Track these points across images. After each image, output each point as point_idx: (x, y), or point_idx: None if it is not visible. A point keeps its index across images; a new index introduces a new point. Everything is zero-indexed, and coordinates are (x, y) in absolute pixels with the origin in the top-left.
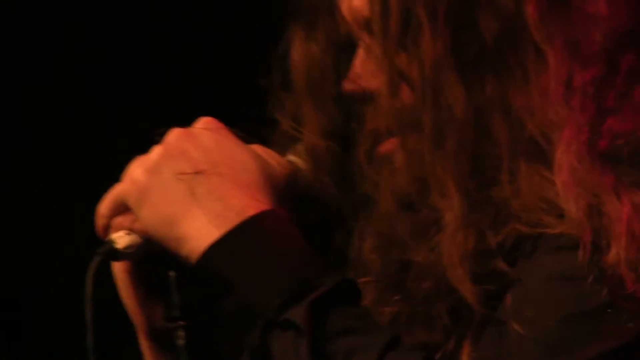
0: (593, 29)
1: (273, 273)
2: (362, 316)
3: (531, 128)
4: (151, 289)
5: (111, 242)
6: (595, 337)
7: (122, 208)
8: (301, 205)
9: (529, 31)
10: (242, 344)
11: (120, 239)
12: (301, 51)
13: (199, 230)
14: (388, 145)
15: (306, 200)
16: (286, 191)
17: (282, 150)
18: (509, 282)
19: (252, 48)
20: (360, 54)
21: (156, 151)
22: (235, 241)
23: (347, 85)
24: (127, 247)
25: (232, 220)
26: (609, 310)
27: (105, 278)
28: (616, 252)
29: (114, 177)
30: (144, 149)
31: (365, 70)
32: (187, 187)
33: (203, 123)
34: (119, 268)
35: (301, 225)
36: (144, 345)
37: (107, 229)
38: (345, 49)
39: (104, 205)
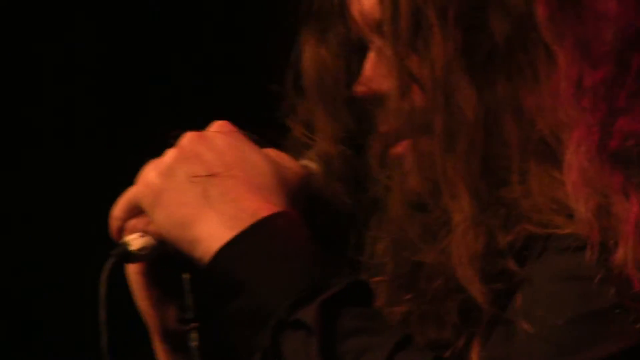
0: (603, 29)
1: (284, 274)
2: (373, 317)
3: (541, 128)
4: (165, 290)
5: (125, 244)
6: (603, 337)
7: (136, 211)
8: (314, 208)
9: (540, 31)
10: (254, 344)
11: (134, 241)
12: (312, 56)
13: (211, 232)
14: (399, 148)
15: (319, 203)
16: (299, 194)
17: (295, 155)
18: (518, 281)
19: (266, 52)
20: (371, 57)
21: (170, 154)
22: (247, 242)
23: (359, 88)
24: (140, 249)
25: (244, 222)
26: (617, 311)
27: (119, 280)
28: (624, 252)
29: (128, 179)
30: (158, 152)
31: (376, 73)
32: (201, 190)
33: (217, 126)
34: (132, 270)
35: (314, 227)
36: (158, 347)
37: (121, 231)
38: (356, 52)
39: (118, 208)
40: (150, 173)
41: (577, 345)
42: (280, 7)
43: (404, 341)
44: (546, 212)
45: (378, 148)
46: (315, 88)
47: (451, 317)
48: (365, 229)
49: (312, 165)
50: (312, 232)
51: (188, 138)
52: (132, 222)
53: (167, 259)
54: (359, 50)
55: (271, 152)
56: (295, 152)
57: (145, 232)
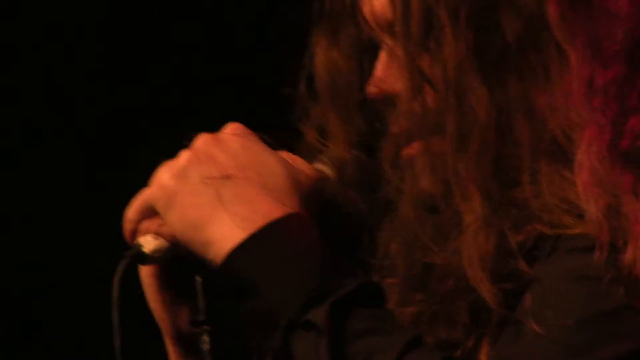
0: (614, 28)
1: (296, 275)
2: (383, 317)
3: (553, 128)
4: (177, 293)
5: (138, 245)
6: (612, 337)
7: (149, 212)
8: (327, 210)
9: (551, 31)
10: (265, 345)
11: (148, 242)
12: (324, 59)
13: (224, 234)
14: (411, 150)
15: (332, 206)
16: (312, 197)
17: (308, 159)
18: (527, 281)
19: (280, 55)
20: (383, 58)
21: (184, 156)
22: (259, 243)
23: (370, 89)
24: (154, 251)
25: (257, 224)
26: (626, 311)
27: (132, 281)
28: (633, 253)
29: (143, 181)
30: (172, 154)
31: (388, 74)
32: (214, 191)
33: (230, 129)
34: (146, 272)
35: (326, 230)
36: (170, 349)
37: (135, 233)
38: (368, 54)
39: (132, 210)
40: (164, 175)
41: (586, 345)
42: (294, 9)
43: (414, 342)
44: (556, 212)
45: (390, 149)
46: (328, 91)
47: (461, 317)
48: (377, 230)
49: (326, 169)
50: (324, 234)
51: (202, 140)
52: (146, 224)
53: (180, 261)
54: (371, 51)
55: (285, 154)
56: (309, 156)
57: (158, 234)
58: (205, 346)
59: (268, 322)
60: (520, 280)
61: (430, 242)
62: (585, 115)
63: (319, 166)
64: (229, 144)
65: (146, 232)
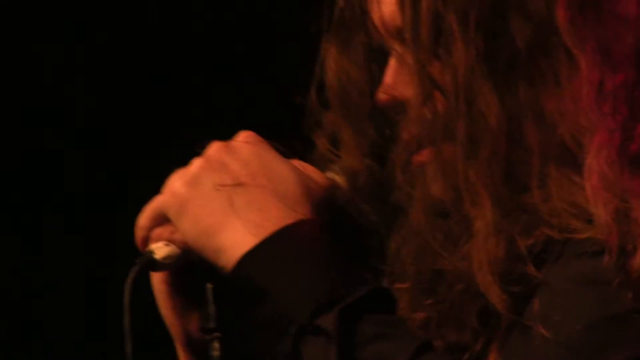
0: (624, 32)
1: (306, 281)
2: (393, 323)
3: (562, 133)
4: (188, 299)
5: (150, 252)
6: (621, 342)
7: (161, 220)
8: (338, 219)
9: (560, 36)
10: (276, 351)
11: (159, 249)
12: (335, 68)
13: (236, 240)
14: (422, 156)
15: (343, 215)
16: (324, 205)
17: (321, 167)
18: (536, 284)
19: (293, 64)
20: (392, 64)
21: (196, 164)
22: (270, 249)
23: (380, 96)
24: (165, 258)
25: (268, 230)
26: (635, 315)
27: (144, 288)
28: None
29: (156, 188)
30: (184, 161)
31: (397, 80)
32: (227, 199)
33: (243, 137)
34: (157, 279)
35: (337, 237)
36: (181, 355)
37: (147, 240)
38: (378, 61)
39: (144, 217)
40: (177, 182)
41: (595, 350)
42: (305, 17)
43: (424, 347)
44: (565, 216)
45: (401, 156)
46: (339, 100)
47: (470, 320)
48: (388, 237)
49: (338, 178)
50: (335, 240)
51: (214, 148)
52: (157, 231)
53: (192, 268)
54: (381, 59)
55: (297, 163)
56: (321, 165)
57: (170, 241)
58: (216, 353)
59: (278, 327)
60: (529, 283)
61: (440, 248)
62: (595, 119)
63: (331, 175)
64: (241, 152)
65: (158, 239)
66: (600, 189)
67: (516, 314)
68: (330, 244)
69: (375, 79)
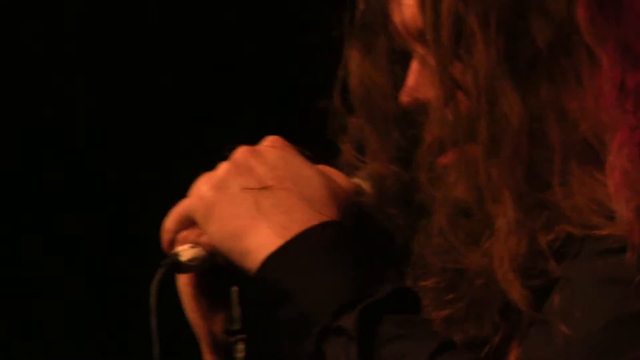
0: None
1: (329, 281)
2: (414, 323)
3: (584, 130)
4: (214, 302)
5: (176, 254)
6: None
7: (187, 223)
8: (363, 225)
9: (581, 34)
10: (300, 352)
11: (185, 251)
12: (358, 72)
13: (262, 242)
14: (446, 158)
15: (369, 220)
16: (349, 210)
17: (347, 173)
18: (555, 279)
19: (318, 68)
20: (415, 66)
21: (223, 167)
22: (294, 250)
23: (403, 98)
24: (191, 260)
25: (293, 232)
26: None
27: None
28: None
29: (182, 192)
30: (211, 166)
31: (419, 82)
32: (253, 202)
33: (269, 141)
34: (183, 282)
35: (362, 242)
36: (207, 358)
37: (173, 243)
38: (401, 64)
39: (170, 220)
40: (203, 186)
41: (615, 348)
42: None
43: (444, 347)
44: (586, 212)
45: (425, 158)
46: (363, 104)
47: (491, 316)
48: (413, 239)
49: (363, 183)
50: (360, 243)
51: (241, 152)
52: (184, 234)
53: (217, 270)
54: (404, 62)
55: (323, 168)
56: (348, 170)
57: (196, 244)
58: (240, 355)
59: (301, 328)
60: (549, 278)
61: (462, 247)
62: (616, 117)
63: (357, 181)
64: (267, 156)
65: (184, 242)
66: (622, 186)
67: (536, 310)
68: (354, 245)
69: (399, 82)
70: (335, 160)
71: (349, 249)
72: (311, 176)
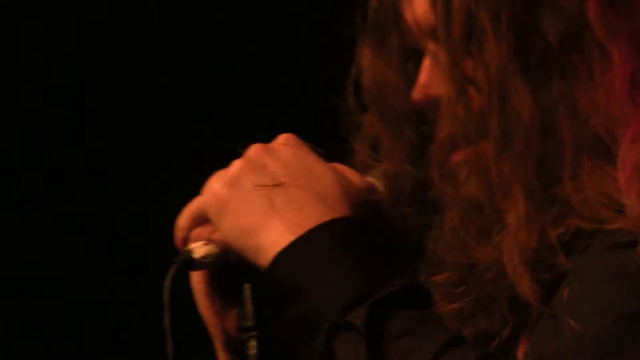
0: None
1: (340, 277)
2: (424, 319)
3: (595, 125)
4: (227, 299)
5: (189, 251)
6: None
7: (201, 220)
8: (376, 221)
9: (592, 30)
10: (310, 348)
11: (198, 248)
12: (371, 70)
13: (274, 239)
14: (459, 156)
15: (382, 219)
16: (362, 208)
17: (361, 171)
18: (565, 272)
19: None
20: (427, 63)
21: (236, 165)
22: (305, 246)
23: (415, 95)
24: (204, 257)
25: (305, 228)
26: None
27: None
28: None
29: (195, 189)
30: (224, 163)
31: (432, 79)
32: (267, 199)
33: (283, 139)
34: (196, 278)
35: (375, 237)
36: (220, 355)
37: (186, 240)
38: (414, 62)
39: (184, 218)
40: (217, 183)
41: (625, 343)
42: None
43: (452, 342)
44: (596, 206)
45: (437, 155)
46: (376, 102)
47: (501, 309)
48: (426, 235)
49: (377, 183)
50: (372, 240)
51: (254, 149)
52: (197, 231)
53: (230, 267)
54: (417, 60)
55: (337, 166)
56: (361, 169)
57: (209, 241)
58: (252, 352)
59: (312, 324)
60: (559, 272)
61: (473, 242)
62: (628, 111)
63: (370, 179)
64: (281, 154)
65: (197, 239)
66: (633, 180)
67: (545, 304)
68: (366, 241)
69: (411, 80)
70: (348, 159)
71: (360, 245)
72: (324, 173)
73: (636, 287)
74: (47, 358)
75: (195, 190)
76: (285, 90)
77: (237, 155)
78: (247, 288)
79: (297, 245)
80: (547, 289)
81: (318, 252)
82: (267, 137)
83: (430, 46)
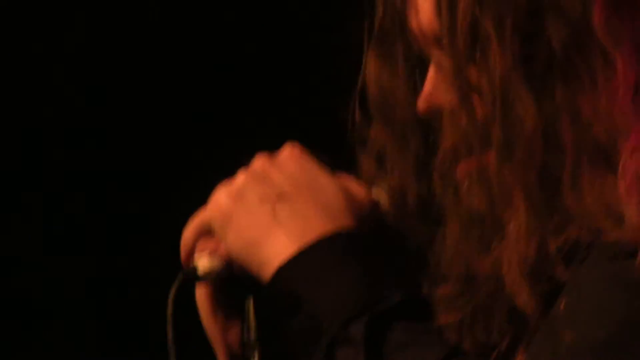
0: None
1: (341, 289)
2: (423, 330)
3: (597, 132)
4: (231, 312)
5: (193, 264)
6: None
7: (205, 233)
8: (381, 233)
9: (597, 36)
10: None
11: (202, 261)
12: (377, 81)
13: (277, 251)
14: (464, 166)
15: (386, 230)
16: (367, 220)
17: (367, 182)
18: (563, 284)
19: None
20: (432, 72)
21: (241, 177)
22: (307, 258)
23: (420, 104)
24: (208, 270)
25: (308, 240)
26: None
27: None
28: None
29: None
30: (229, 173)
31: (436, 87)
32: (270, 211)
33: (288, 150)
34: (200, 293)
35: (379, 250)
36: None
37: (191, 252)
38: (421, 72)
39: (188, 231)
40: (221, 195)
41: (621, 354)
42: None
43: (451, 354)
44: (595, 216)
45: (441, 165)
46: (382, 114)
47: (499, 321)
48: (430, 248)
49: (382, 195)
50: (376, 251)
51: (259, 161)
52: (202, 244)
53: (234, 280)
54: (423, 69)
55: (342, 177)
56: (366, 182)
57: (213, 253)
58: None
59: (313, 337)
60: (558, 282)
61: (474, 254)
62: (630, 119)
63: (376, 191)
64: (286, 165)
65: (202, 252)
66: (634, 189)
67: (544, 315)
68: (368, 253)
69: (418, 91)
70: (353, 169)
71: (362, 256)
72: (329, 185)
73: (634, 298)
74: (47, 358)
75: (195, 190)
76: (271, 92)
77: (241, 165)
78: (250, 301)
79: (299, 257)
80: (546, 299)
81: (320, 264)
82: (272, 146)
83: (435, 55)
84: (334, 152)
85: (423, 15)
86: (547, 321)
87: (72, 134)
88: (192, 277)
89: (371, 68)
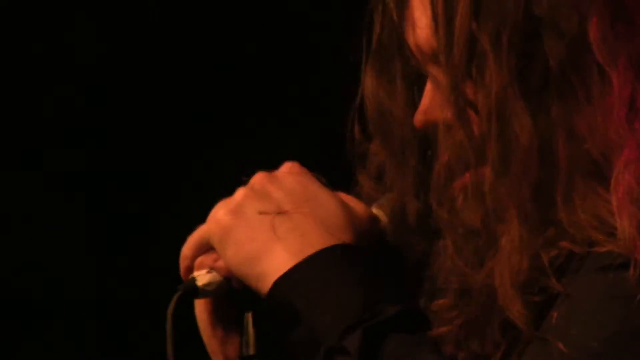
0: None
1: (338, 302)
2: (418, 343)
3: (591, 147)
4: (230, 327)
5: (192, 279)
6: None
7: (205, 248)
8: (382, 248)
9: (592, 52)
10: None
11: (201, 276)
12: (375, 98)
13: (276, 266)
14: (460, 182)
15: (385, 247)
16: (366, 238)
17: (367, 201)
18: (556, 295)
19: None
20: (429, 88)
21: (240, 193)
22: (304, 272)
23: (417, 120)
24: (207, 285)
25: (306, 254)
26: None
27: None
28: None
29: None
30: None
31: (433, 103)
32: (269, 226)
33: (287, 167)
34: (200, 308)
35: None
36: None
37: (190, 268)
38: (419, 89)
39: (188, 246)
40: (221, 211)
41: None
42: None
43: None
44: (587, 229)
45: (438, 180)
46: (381, 131)
47: (493, 333)
48: (428, 263)
49: (381, 213)
50: (374, 265)
51: (258, 177)
52: (201, 259)
53: (233, 295)
54: (421, 86)
55: (341, 195)
56: (365, 199)
57: (212, 269)
58: None
59: (311, 349)
60: (550, 295)
61: (468, 268)
62: (624, 135)
63: (375, 210)
64: (284, 182)
65: (201, 267)
66: (626, 202)
67: (537, 327)
68: (365, 266)
69: (416, 107)
70: (352, 187)
71: (358, 269)
72: (328, 201)
73: (625, 309)
74: (47, 358)
75: (195, 190)
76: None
77: (242, 182)
78: (248, 316)
79: (297, 270)
80: (539, 311)
81: (316, 277)
82: (271, 165)
83: (432, 70)
84: (334, 157)
85: (420, 31)
86: (540, 332)
87: (72, 134)
88: (191, 292)
89: (369, 85)
